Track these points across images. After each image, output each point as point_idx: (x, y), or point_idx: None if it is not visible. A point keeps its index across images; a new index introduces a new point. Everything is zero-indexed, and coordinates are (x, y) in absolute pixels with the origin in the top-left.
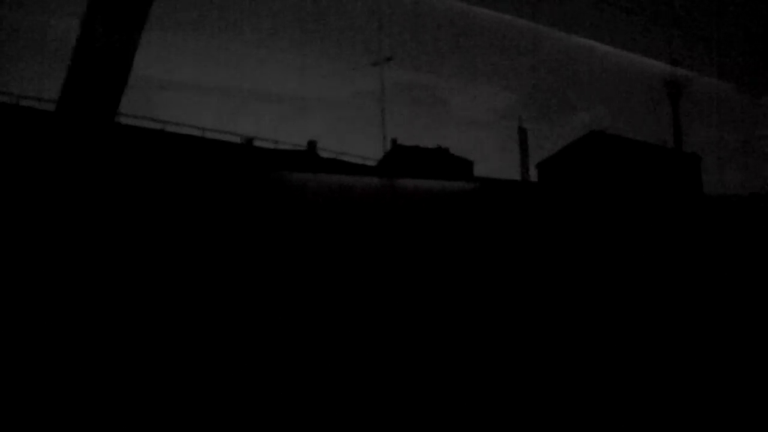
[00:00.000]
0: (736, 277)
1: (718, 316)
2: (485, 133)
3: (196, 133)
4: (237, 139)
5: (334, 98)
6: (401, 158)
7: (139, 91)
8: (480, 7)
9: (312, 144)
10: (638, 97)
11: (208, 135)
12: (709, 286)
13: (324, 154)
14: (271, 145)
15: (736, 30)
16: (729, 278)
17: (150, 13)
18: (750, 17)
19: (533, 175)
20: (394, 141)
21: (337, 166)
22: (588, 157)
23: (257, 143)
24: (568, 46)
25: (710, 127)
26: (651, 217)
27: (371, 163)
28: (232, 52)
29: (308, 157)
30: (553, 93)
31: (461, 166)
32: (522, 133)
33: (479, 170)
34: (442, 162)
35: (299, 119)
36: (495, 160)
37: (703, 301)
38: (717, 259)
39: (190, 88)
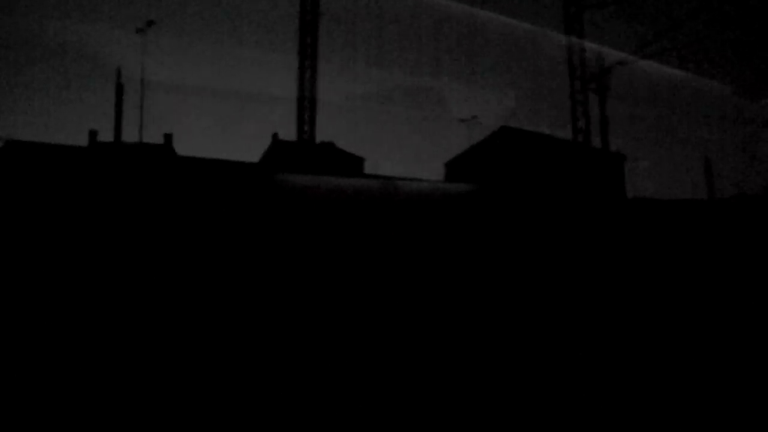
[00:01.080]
0: (648, 280)
1: (617, 321)
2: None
3: None
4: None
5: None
6: (283, 154)
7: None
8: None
9: (168, 137)
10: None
11: None
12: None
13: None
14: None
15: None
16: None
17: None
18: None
19: None
20: (274, 136)
21: (193, 163)
22: (497, 155)
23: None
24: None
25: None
26: (555, 216)
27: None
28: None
29: (163, 152)
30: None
31: (350, 162)
32: None
33: None
34: (329, 157)
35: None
36: None
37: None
38: (628, 263)
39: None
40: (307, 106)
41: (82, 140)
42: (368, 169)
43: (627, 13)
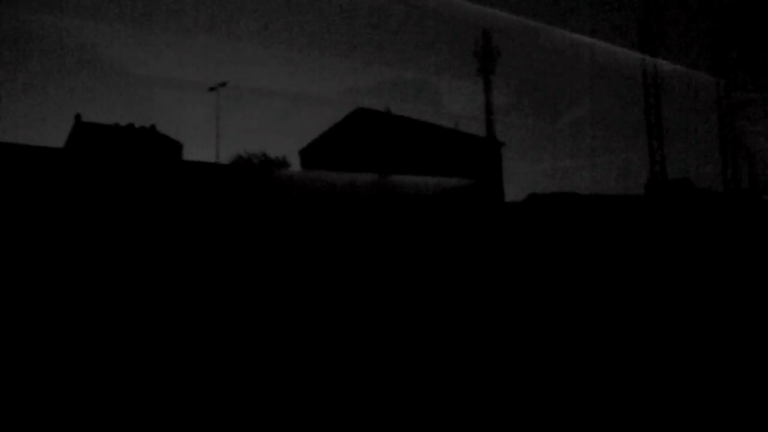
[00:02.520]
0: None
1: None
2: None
3: None
4: None
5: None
6: (88, 139)
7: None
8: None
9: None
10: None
11: None
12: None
13: None
14: None
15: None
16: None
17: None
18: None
19: None
20: (77, 117)
21: None
22: (354, 139)
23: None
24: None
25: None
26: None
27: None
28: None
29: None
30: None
31: (168, 148)
32: None
33: None
34: (144, 142)
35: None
36: None
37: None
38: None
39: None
40: None
41: None
42: (187, 155)
43: None
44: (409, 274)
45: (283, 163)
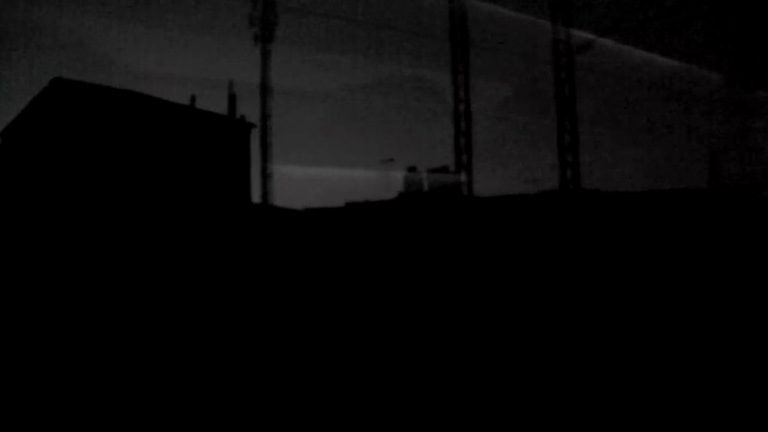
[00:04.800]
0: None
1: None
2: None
3: None
4: None
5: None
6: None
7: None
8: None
9: None
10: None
11: None
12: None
13: None
14: None
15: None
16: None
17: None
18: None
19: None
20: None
21: None
22: (52, 116)
23: None
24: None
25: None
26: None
27: None
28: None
29: None
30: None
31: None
32: None
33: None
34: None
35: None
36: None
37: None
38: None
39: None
40: None
41: None
42: None
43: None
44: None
45: None
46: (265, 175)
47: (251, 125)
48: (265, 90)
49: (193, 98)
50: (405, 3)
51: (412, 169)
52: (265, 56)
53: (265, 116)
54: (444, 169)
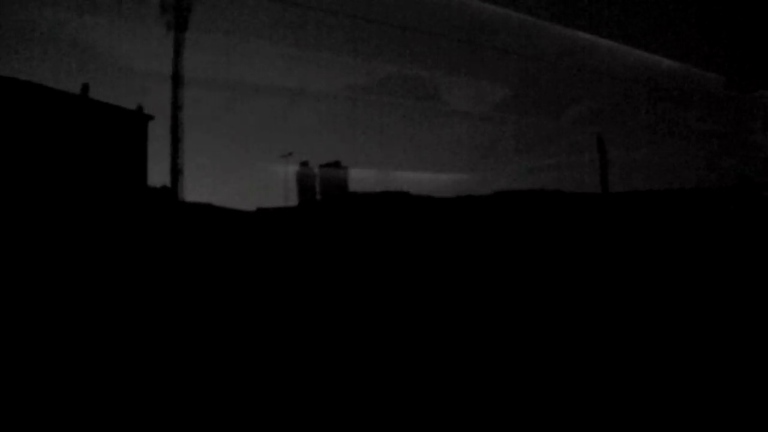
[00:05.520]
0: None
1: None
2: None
3: None
4: None
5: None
6: None
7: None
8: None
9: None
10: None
11: None
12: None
13: None
14: None
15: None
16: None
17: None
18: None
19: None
20: None
21: None
22: None
23: None
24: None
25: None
26: None
27: None
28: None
29: None
30: (548, 86)
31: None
32: None
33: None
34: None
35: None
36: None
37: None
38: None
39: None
40: None
41: None
42: None
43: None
44: None
45: None
46: (176, 171)
47: (148, 117)
48: (177, 80)
49: (84, 87)
50: None
51: (304, 164)
52: (178, 45)
53: (176, 108)
54: (336, 165)
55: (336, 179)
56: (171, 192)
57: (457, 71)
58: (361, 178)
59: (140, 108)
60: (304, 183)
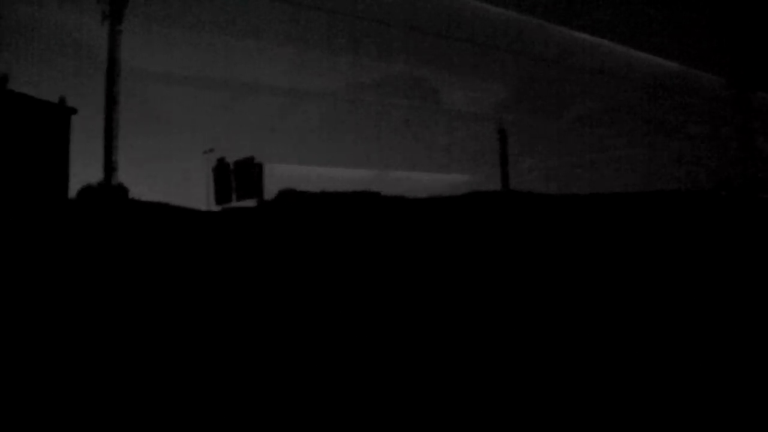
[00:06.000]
0: None
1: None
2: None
3: None
4: None
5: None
6: None
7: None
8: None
9: None
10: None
11: None
12: None
13: None
14: None
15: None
16: None
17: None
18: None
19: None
20: None
21: None
22: None
23: None
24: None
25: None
26: None
27: None
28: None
29: None
30: (545, 87)
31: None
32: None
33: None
34: None
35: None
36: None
37: None
38: None
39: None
40: None
41: None
42: None
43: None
44: None
45: None
46: (110, 168)
47: (72, 110)
48: (112, 72)
49: (3, 78)
50: None
51: (221, 160)
52: (113, 36)
53: (110, 102)
54: (250, 160)
55: (251, 175)
56: (124, 191)
57: (457, 71)
58: (355, 179)
59: (62, 100)
60: (220, 179)
